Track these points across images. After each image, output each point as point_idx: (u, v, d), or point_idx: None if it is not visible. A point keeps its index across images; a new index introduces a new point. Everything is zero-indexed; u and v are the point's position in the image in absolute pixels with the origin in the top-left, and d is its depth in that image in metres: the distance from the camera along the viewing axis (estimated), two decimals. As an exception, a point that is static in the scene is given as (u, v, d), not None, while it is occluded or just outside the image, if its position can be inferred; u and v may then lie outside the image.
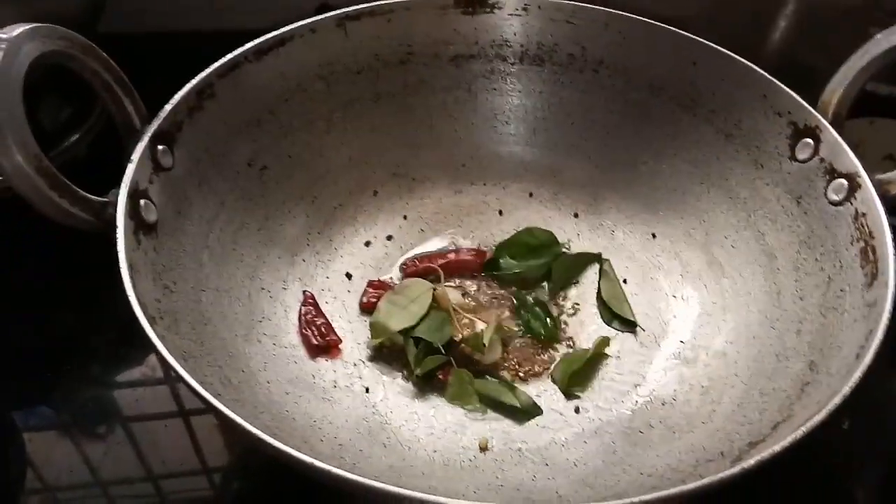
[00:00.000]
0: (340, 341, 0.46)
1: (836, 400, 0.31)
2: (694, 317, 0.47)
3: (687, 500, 0.30)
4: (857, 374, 0.32)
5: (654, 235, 0.52)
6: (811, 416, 0.31)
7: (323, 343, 0.46)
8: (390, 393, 0.44)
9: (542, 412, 0.43)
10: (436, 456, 0.41)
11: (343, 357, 0.46)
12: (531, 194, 0.56)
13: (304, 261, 0.50)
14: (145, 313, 0.34)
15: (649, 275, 0.51)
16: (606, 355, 0.46)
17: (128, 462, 0.43)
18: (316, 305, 0.48)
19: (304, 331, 0.46)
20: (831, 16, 0.77)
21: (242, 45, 0.48)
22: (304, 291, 0.49)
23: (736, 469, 0.29)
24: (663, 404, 0.43)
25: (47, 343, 0.47)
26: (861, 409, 0.46)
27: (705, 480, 0.29)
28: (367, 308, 0.49)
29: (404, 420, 0.43)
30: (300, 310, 0.47)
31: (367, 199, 0.55)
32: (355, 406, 0.43)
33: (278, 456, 0.30)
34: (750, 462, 0.29)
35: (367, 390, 0.44)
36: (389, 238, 0.54)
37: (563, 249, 0.52)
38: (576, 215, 0.55)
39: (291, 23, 0.50)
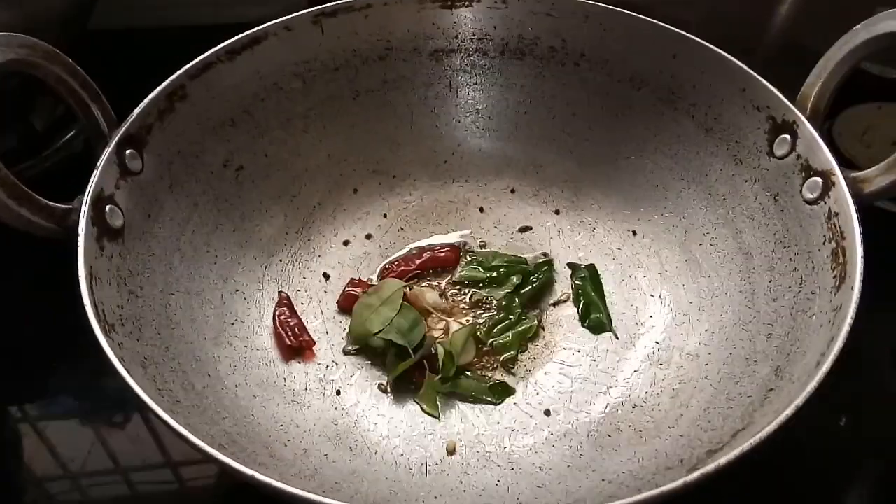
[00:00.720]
0: (314, 343, 0.46)
1: (789, 411, 0.30)
2: (670, 317, 0.47)
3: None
4: (813, 384, 0.31)
5: (634, 233, 0.51)
6: (767, 426, 0.30)
7: (296, 344, 0.46)
8: (362, 396, 0.44)
9: (514, 391, 0.44)
10: (402, 460, 0.41)
11: (317, 359, 0.46)
12: (513, 190, 0.56)
13: (280, 261, 0.51)
14: (100, 321, 0.34)
15: (628, 273, 0.50)
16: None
17: (147, 449, 0.44)
18: (290, 306, 0.48)
19: (277, 331, 0.46)
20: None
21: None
22: (279, 292, 0.49)
23: (677, 483, 0.28)
24: (634, 407, 0.43)
25: (66, 332, 0.48)
26: (858, 406, 0.46)
27: (651, 493, 0.28)
28: (344, 308, 0.49)
29: (374, 423, 0.43)
30: (274, 311, 0.47)
31: (347, 198, 0.55)
32: (325, 409, 0.43)
33: (217, 463, 0.30)
34: (695, 475, 0.29)
35: (339, 393, 0.44)
36: (369, 237, 0.53)
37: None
38: (557, 212, 0.54)
39: (291, 13, 0.50)
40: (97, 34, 0.65)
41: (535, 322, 0.47)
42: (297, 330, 0.46)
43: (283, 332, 0.46)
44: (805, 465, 0.44)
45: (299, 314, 0.48)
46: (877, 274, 0.36)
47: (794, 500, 0.43)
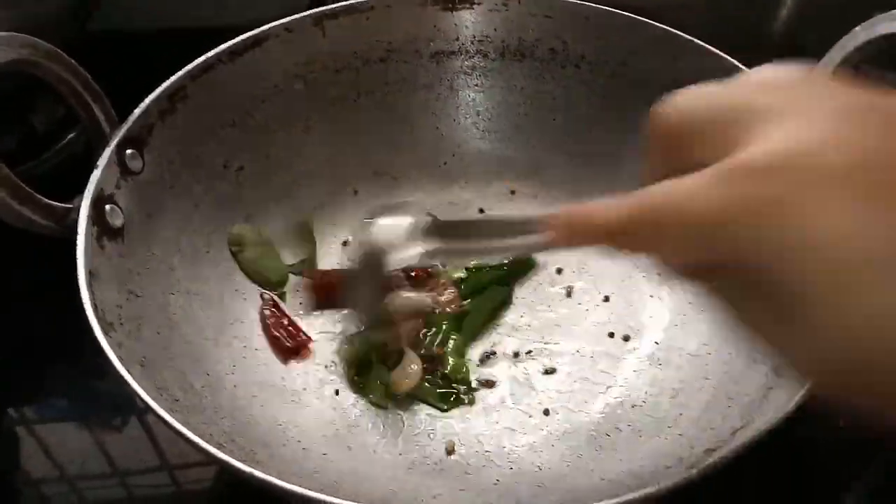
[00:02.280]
0: (311, 339, 0.46)
1: (789, 408, 0.30)
2: (670, 317, 0.47)
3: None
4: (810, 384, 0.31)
5: (634, 234, 0.51)
6: (765, 424, 0.30)
7: (293, 344, 0.45)
8: (359, 396, 0.44)
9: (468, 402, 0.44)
10: (401, 459, 0.41)
11: (315, 359, 0.46)
12: (513, 192, 0.56)
13: (281, 262, 0.51)
14: (100, 320, 0.34)
15: (628, 274, 0.50)
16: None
17: (144, 452, 0.44)
18: (276, 306, 0.47)
19: (273, 333, 0.46)
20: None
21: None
22: (261, 295, 0.48)
23: (675, 480, 0.28)
24: (633, 407, 0.43)
25: (63, 332, 0.48)
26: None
27: (648, 490, 0.28)
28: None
29: (372, 423, 0.43)
30: (262, 313, 0.47)
31: (348, 199, 0.55)
32: (324, 409, 0.43)
33: (216, 462, 0.30)
34: (693, 472, 0.29)
35: (337, 393, 0.44)
36: (369, 238, 0.53)
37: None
38: (557, 213, 0.54)
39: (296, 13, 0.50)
40: (98, 36, 0.65)
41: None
42: (291, 329, 0.46)
43: (278, 335, 0.46)
44: (805, 467, 0.44)
45: (299, 314, 0.48)
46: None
47: (793, 500, 0.43)
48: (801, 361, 0.21)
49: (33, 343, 0.50)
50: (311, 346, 0.46)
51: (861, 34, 0.41)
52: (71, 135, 0.63)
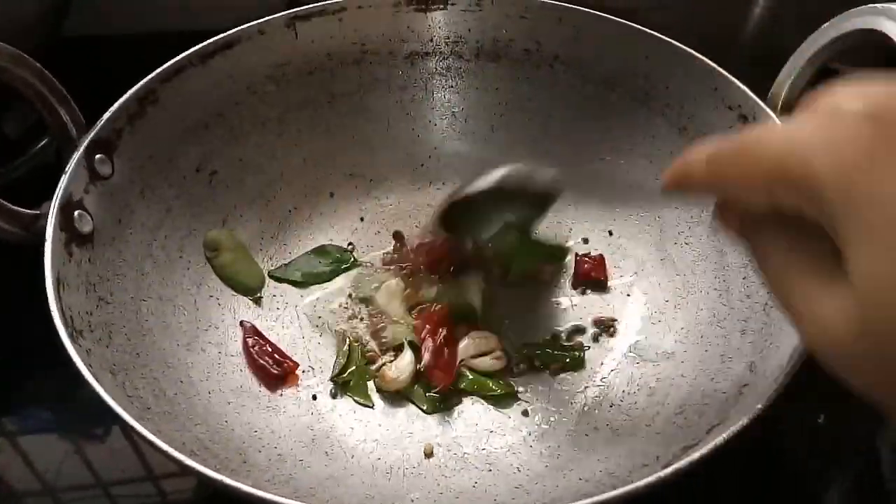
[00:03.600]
0: (297, 365, 0.45)
1: (761, 406, 0.30)
2: (647, 316, 0.47)
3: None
4: (785, 378, 0.31)
5: (610, 233, 0.52)
6: (739, 421, 0.30)
7: (280, 371, 0.44)
8: (338, 400, 0.44)
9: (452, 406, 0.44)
10: (379, 463, 0.40)
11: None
12: (490, 192, 0.55)
13: (255, 266, 0.50)
14: (68, 327, 0.34)
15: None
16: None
17: (128, 462, 0.43)
18: (257, 332, 0.46)
19: (258, 362, 0.43)
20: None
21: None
22: (241, 323, 0.46)
23: (650, 479, 0.28)
24: (611, 406, 0.42)
25: (40, 341, 0.47)
26: (837, 403, 0.46)
27: (625, 489, 0.28)
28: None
29: (350, 427, 0.42)
30: (245, 343, 0.45)
31: (324, 202, 0.54)
32: (301, 414, 0.43)
33: (187, 470, 0.29)
34: (668, 470, 0.29)
35: (315, 398, 0.44)
36: (345, 240, 0.53)
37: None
38: (533, 213, 0.54)
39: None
40: (73, 40, 0.65)
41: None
42: (276, 357, 0.44)
43: (263, 363, 0.43)
44: (784, 464, 0.44)
45: (275, 320, 0.47)
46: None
47: (773, 498, 0.43)
48: (824, 322, 0.21)
49: (9, 353, 0.48)
50: (297, 371, 0.45)
51: (830, 31, 0.41)
52: (44, 141, 0.63)
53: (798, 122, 0.22)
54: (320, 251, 0.52)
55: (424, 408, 0.43)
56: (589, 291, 0.49)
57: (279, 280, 0.50)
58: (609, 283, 0.49)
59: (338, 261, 0.51)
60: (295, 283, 0.50)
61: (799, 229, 0.23)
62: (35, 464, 0.43)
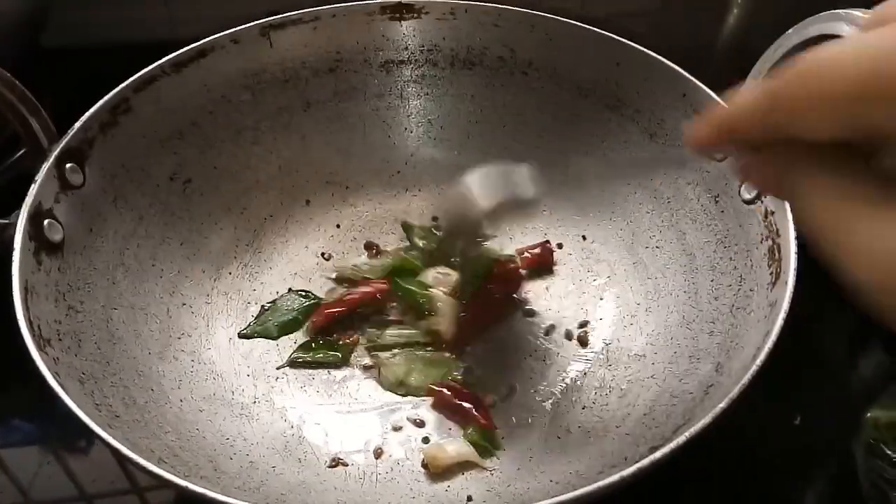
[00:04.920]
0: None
1: (723, 405, 0.31)
2: (618, 319, 0.47)
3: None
4: (747, 378, 0.31)
5: (584, 237, 0.52)
6: (702, 421, 0.31)
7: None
8: (311, 407, 0.44)
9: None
10: (351, 470, 0.40)
11: (266, 371, 0.45)
12: (465, 199, 0.56)
13: (230, 274, 0.50)
14: (34, 335, 0.34)
15: (578, 277, 0.50)
16: None
17: (112, 474, 0.43)
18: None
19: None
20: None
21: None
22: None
23: (612, 478, 0.29)
24: (583, 408, 0.43)
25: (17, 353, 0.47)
26: (812, 405, 0.46)
27: (586, 489, 0.28)
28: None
29: (324, 434, 0.42)
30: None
31: (299, 209, 0.54)
32: (274, 421, 0.43)
33: (154, 478, 0.29)
34: (631, 469, 0.29)
35: (286, 406, 0.44)
36: (321, 248, 0.53)
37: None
38: (508, 219, 0.54)
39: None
40: (52, 52, 0.65)
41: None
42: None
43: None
44: (761, 464, 0.44)
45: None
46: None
47: (749, 498, 0.43)
48: (870, 257, 0.20)
49: None
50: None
51: (793, 37, 0.42)
52: (22, 151, 0.62)
53: (876, 35, 0.20)
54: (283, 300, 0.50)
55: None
56: (562, 297, 0.49)
57: (249, 337, 0.47)
58: (554, 268, 0.51)
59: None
60: (270, 338, 0.48)
61: (855, 160, 0.21)
62: (18, 477, 0.43)
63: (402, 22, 0.54)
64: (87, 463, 0.43)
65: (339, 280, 0.51)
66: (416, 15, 0.54)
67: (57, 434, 0.45)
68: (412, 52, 0.55)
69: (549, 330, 0.47)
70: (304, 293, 0.50)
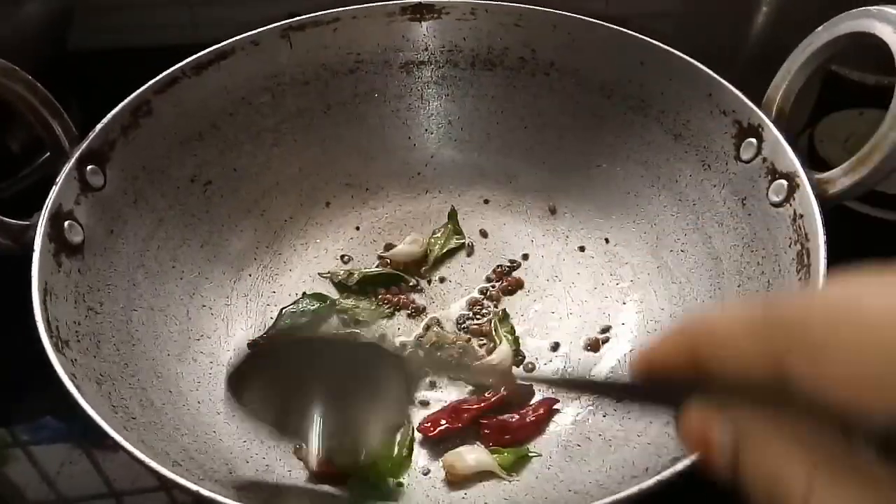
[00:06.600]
0: None
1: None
2: (642, 323, 0.46)
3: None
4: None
5: (606, 240, 0.51)
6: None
7: None
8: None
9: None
10: (368, 474, 0.40)
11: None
12: (486, 201, 0.55)
13: (250, 275, 0.50)
14: (52, 336, 0.34)
15: (601, 281, 0.49)
16: None
17: (141, 471, 0.42)
18: None
19: None
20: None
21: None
22: None
23: (632, 490, 0.28)
24: (604, 416, 0.42)
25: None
26: None
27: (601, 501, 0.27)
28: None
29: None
30: None
31: (319, 211, 0.54)
32: (290, 424, 0.42)
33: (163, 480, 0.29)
34: (651, 481, 0.28)
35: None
36: (340, 250, 0.53)
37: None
38: (530, 221, 0.54)
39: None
40: (78, 54, 0.65)
41: None
42: None
43: None
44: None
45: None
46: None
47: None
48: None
49: (21, 363, 0.48)
50: None
51: (823, 34, 0.41)
52: (47, 154, 0.63)
53: None
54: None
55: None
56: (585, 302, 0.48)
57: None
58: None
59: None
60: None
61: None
62: (48, 473, 0.43)
63: (423, 22, 0.54)
64: (115, 460, 0.44)
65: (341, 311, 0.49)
66: (436, 15, 0.53)
67: (86, 432, 0.45)
68: (432, 53, 0.54)
69: (570, 335, 0.46)
70: (318, 295, 0.49)
